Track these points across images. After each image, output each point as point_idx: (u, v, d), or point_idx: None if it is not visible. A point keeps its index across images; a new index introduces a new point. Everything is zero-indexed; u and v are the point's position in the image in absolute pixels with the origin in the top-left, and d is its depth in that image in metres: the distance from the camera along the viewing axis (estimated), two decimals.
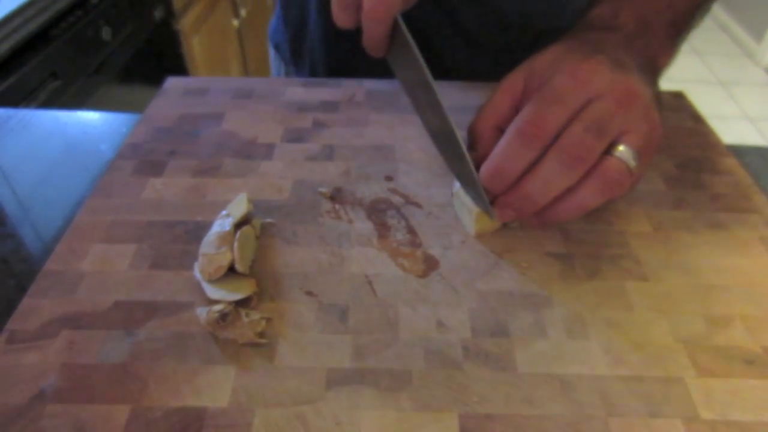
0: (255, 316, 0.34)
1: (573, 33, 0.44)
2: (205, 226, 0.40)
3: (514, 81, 0.41)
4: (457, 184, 0.43)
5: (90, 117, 0.57)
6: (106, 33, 1.23)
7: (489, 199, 0.39)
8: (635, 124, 0.37)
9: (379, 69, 0.49)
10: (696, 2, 0.46)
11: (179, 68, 1.58)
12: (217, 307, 0.34)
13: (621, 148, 0.37)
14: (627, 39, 0.42)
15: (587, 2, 0.48)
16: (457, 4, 0.61)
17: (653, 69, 0.42)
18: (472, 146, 0.42)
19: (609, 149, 0.37)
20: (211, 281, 0.36)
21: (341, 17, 0.43)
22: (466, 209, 0.41)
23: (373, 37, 0.42)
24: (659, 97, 0.40)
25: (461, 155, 0.39)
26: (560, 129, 0.37)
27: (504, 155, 0.37)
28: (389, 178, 0.46)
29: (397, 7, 0.41)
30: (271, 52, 0.78)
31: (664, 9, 0.44)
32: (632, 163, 0.37)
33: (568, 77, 0.37)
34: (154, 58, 1.47)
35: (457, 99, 0.56)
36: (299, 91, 0.57)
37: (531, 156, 0.37)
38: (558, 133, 0.37)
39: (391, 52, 0.44)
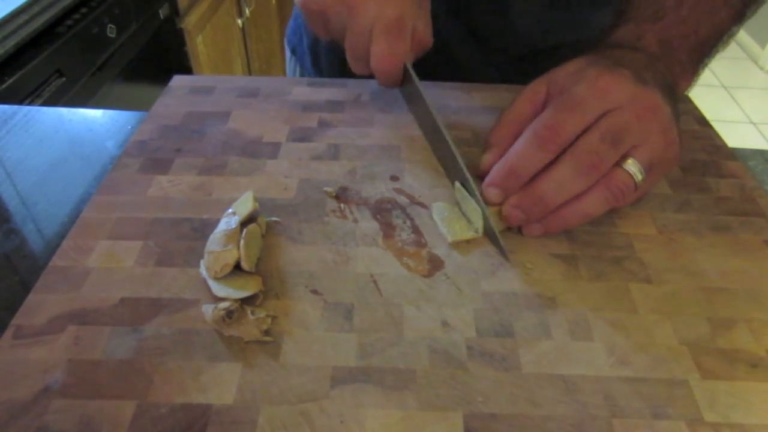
0: (260, 313, 0.34)
1: (597, 50, 0.44)
2: (210, 224, 0.40)
3: (536, 90, 0.42)
4: (459, 185, 0.43)
5: (95, 114, 0.57)
6: (111, 31, 1.23)
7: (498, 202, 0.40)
8: (651, 139, 0.38)
9: None
10: (721, 29, 0.46)
11: (183, 67, 1.58)
12: (223, 305, 0.34)
13: (630, 161, 0.38)
14: (650, 60, 0.42)
15: (608, 19, 0.49)
16: (477, 17, 0.62)
17: (672, 91, 0.42)
18: (489, 149, 0.42)
19: (619, 161, 0.37)
20: (217, 279, 0.36)
21: (356, 67, 0.46)
22: (471, 210, 0.41)
23: (385, 83, 0.44)
24: (678, 114, 0.40)
25: (466, 180, 0.41)
26: (576, 136, 0.37)
27: (518, 156, 0.38)
28: (395, 178, 0.46)
29: (403, 57, 0.43)
30: (288, 55, 0.78)
31: (690, 34, 0.44)
32: (639, 176, 0.38)
33: (589, 86, 0.38)
34: (158, 57, 1.48)
35: (462, 100, 0.56)
36: (305, 90, 0.57)
37: (545, 159, 0.37)
38: (574, 140, 0.37)
39: (404, 87, 0.46)
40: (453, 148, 0.41)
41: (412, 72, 0.44)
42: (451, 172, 0.44)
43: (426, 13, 0.47)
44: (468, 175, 0.40)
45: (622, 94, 0.38)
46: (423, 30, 0.46)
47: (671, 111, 0.39)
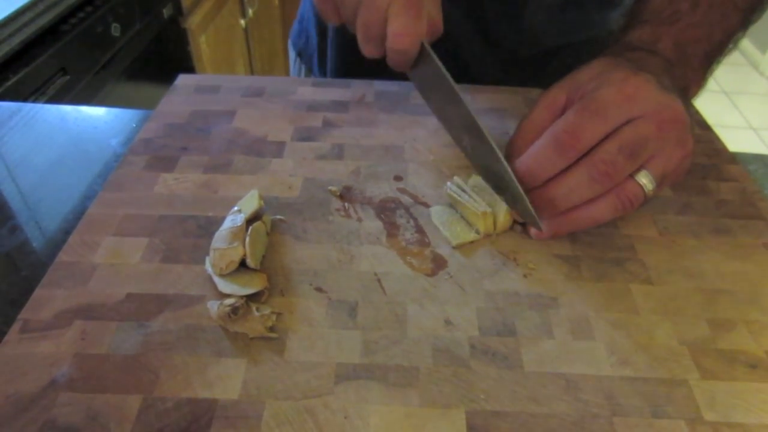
0: (265, 310, 0.35)
1: (614, 51, 0.44)
2: (215, 222, 0.41)
3: (556, 96, 0.41)
4: (450, 185, 0.43)
5: (100, 112, 0.58)
6: (115, 30, 1.24)
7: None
8: (667, 150, 0.38)
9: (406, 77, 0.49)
10: (731, 33, 0.46)
11: (186, 66, 1.59)
12: (229, 301, 0.34)
13: (643, 173, 0.38)
14: (667, 65, 0.42)
15: (618, 18, 0.48)
16: (489, 18, 0.62)
17: (686, 97, 0.42)
18: (508, 160, 0.42)
19: (633, 171, 0.38)
20: (222, 275, 0.36)
21: (368, 49, 0.44)
22: (468, 213, 0.41)
23: (398, 63, 0.43)
24: (693, 122, 0.40)
25: (499, 163, 0.39)
26: (597, 141, 0.37)
27: (537, 159, 0.38)
28: (398, 178, 0.46)
29: (421, 37, 0.42)
30: (292, 57, 0.79)
31: (702, 39, 0.44)
32: (649, 187, 0.38)
33: (614, 90, 0.37)
34: (162, 56, 1.48)
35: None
36: (309, 90, 0.57)
37: (562, 165, 0.37)
38: (593, 145, 0.37)
39: (415, 69, 0.45)
40: (478, 122, 0.40)
41: (429, 50, 0.43)
42: (475, 151, 0.43)
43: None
44: (498, 151, 0.39)
45: (647, 102, 0.37)
46: (435, 14, 0.46)
47: (689, 119, 0.39)
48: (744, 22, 0.47)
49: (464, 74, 0.63)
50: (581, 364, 0.33)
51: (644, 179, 0.38)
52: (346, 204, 0.44)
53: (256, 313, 0.34)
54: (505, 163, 0.39)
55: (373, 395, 0.31)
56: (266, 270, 0.38)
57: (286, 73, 1.29)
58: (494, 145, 0.39)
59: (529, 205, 0.39)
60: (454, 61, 0.63)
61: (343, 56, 0.69)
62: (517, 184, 0.38)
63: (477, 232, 0.41)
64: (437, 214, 0.43)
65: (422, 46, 0.43)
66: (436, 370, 0.32)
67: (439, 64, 0.42)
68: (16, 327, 0.34)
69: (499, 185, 0.41)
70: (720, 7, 0.45)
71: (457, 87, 0.41)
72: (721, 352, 0.34)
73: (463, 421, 0.30)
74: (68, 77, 1.08)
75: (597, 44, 0.58)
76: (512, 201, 0.40)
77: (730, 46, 0.47)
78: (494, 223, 0.41)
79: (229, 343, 0.34)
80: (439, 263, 0.39)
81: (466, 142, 0.43)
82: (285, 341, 0.34)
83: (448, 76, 0.41)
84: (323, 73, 0.73)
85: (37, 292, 0.36)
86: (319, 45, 0.72)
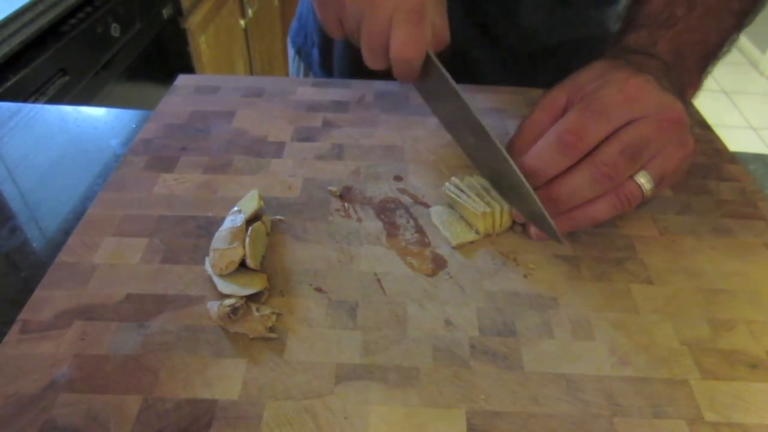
0: (265, 310, 0.35)
1: (613, 53, 0.44)
2: (215, 222, 0.41)
3: (557, 97, 0.41)
4: (448, 186, 0.43)
5: (99, 113, 0.58)
6: (114, 30, 1.24)
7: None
8: (667, 151, 0.38)
9: None
10: (725, 36, 0.47)
11: (186, 67, 1.58)
12: (229, 302, 0.34)
13: (642, 173, 0.38)
14: (664, 67, 0.43)
15: (611, 17, 0.48)
16: (488, 16, 0.62)
17: (683, 99, 0.43)
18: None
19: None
20: (222, 276, 0.36)
21: (372, 61, 0.44)
22: (468, 213, 0.41)
23: (404, 74, 0.43)
24: (693, 123, 0.41)
25: (507, 165, 0.39)
26: (599, 142, 0.37)
27: (540, 158, 0.38)
28: (398, 178, 0.46)
29: (425, 45, 0.42)
30: (291, 55, 0.79)
31: (698, 42, 0.45)
32: (647, 187, 0.38)
33: (616, 91, 0.38)
34: (162, 56, 1.48)
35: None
36: (309, 90, 0.57)
37: (565, 164, 0.38)
38: (596, 145, 0.37)
39: (421, 80, 0.44)
40: (486, 128, 0.40)
41: (435, 60, 0.42)
42: (487, 163, 0.43)
43: (444, 9, 0.46)
44: (506, 154, 0.39)
45: (648, 103, 0.38)
46: (441, 25, 0.45)
47: (689, 120, 0.39)
48: (738, 24, 0.48)
49: (467, 72, 0.63)
50: (581, 364, 0.33)
51: (643, 179, 0.38)
52: (346, 204, 0.44)
53: (256, 314, 0.34)
54: (514, 165, 0.39)
55: (373, 395, 0.31)
56: (266, 270, 0.38)
57: (286, 73, 1.29)
58: (503, 149, 0.39)
59: (540, 205, 0.38)
60: (456, 59, 0.63)
61: (351, 53, 0.69)
62: (527, 185, 0.38)
63: (477, 232, 0.41)
64: (437, 214, 0.43)
65: (427, 56, 0.43)
66: (436, 370, 0.32)
67: (445, 73, 0.41)
68: (16, 327, 0.34)
69: (506, 188, 0.41)
70: (715, 11, 0.46)
71: (464, 95, 0.41)
72: (722, 352, 0.34)
73: (463, 421, 0.30)
74: (68, 78, 1.08)
75: (595, 42, 0.58)
76: (519, 203, 0.40)
77: (725, 48, 0.47)
78: (494, 223, 0.41)
79: (229, 343, 0.33)
80: (439, 263, 0.39)
81: (474, 147, 0.43)
82: (285, 341, 0.34)
83: (454, 84, 0.41)
84: (327, 70, 0.73)
85: (37, 293, 0.36)
86: (322, 43, 0.72)
